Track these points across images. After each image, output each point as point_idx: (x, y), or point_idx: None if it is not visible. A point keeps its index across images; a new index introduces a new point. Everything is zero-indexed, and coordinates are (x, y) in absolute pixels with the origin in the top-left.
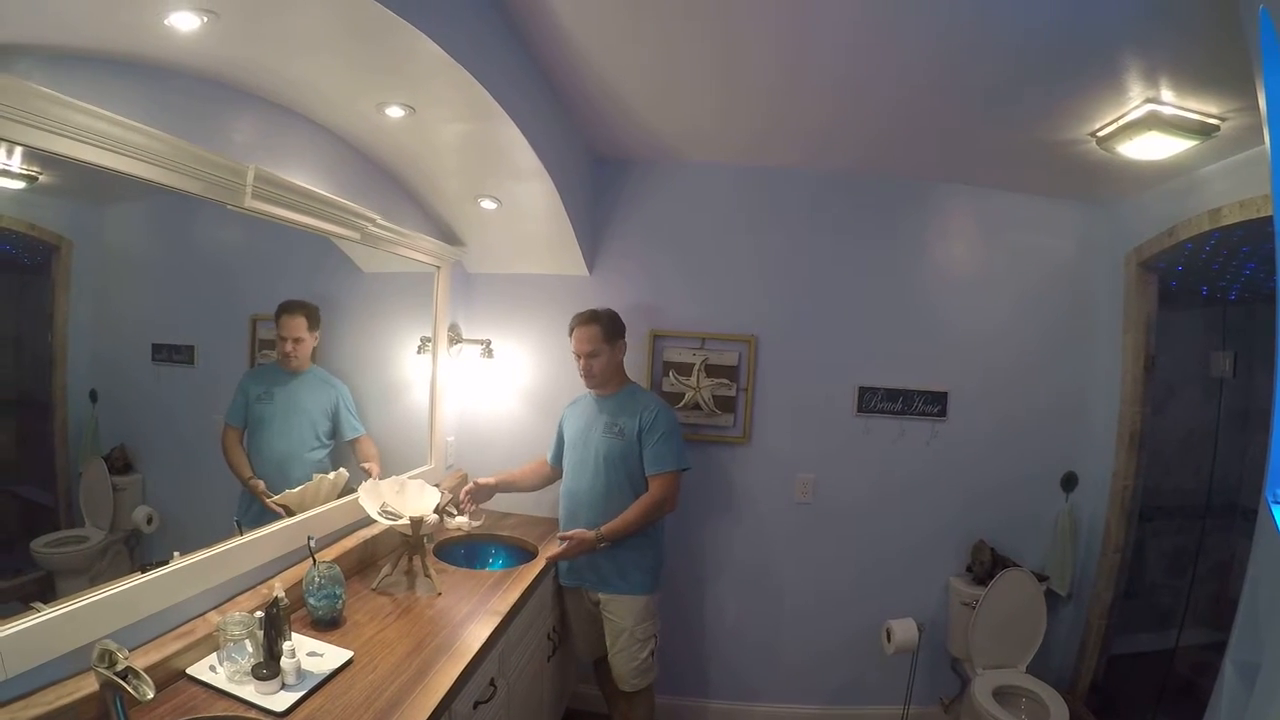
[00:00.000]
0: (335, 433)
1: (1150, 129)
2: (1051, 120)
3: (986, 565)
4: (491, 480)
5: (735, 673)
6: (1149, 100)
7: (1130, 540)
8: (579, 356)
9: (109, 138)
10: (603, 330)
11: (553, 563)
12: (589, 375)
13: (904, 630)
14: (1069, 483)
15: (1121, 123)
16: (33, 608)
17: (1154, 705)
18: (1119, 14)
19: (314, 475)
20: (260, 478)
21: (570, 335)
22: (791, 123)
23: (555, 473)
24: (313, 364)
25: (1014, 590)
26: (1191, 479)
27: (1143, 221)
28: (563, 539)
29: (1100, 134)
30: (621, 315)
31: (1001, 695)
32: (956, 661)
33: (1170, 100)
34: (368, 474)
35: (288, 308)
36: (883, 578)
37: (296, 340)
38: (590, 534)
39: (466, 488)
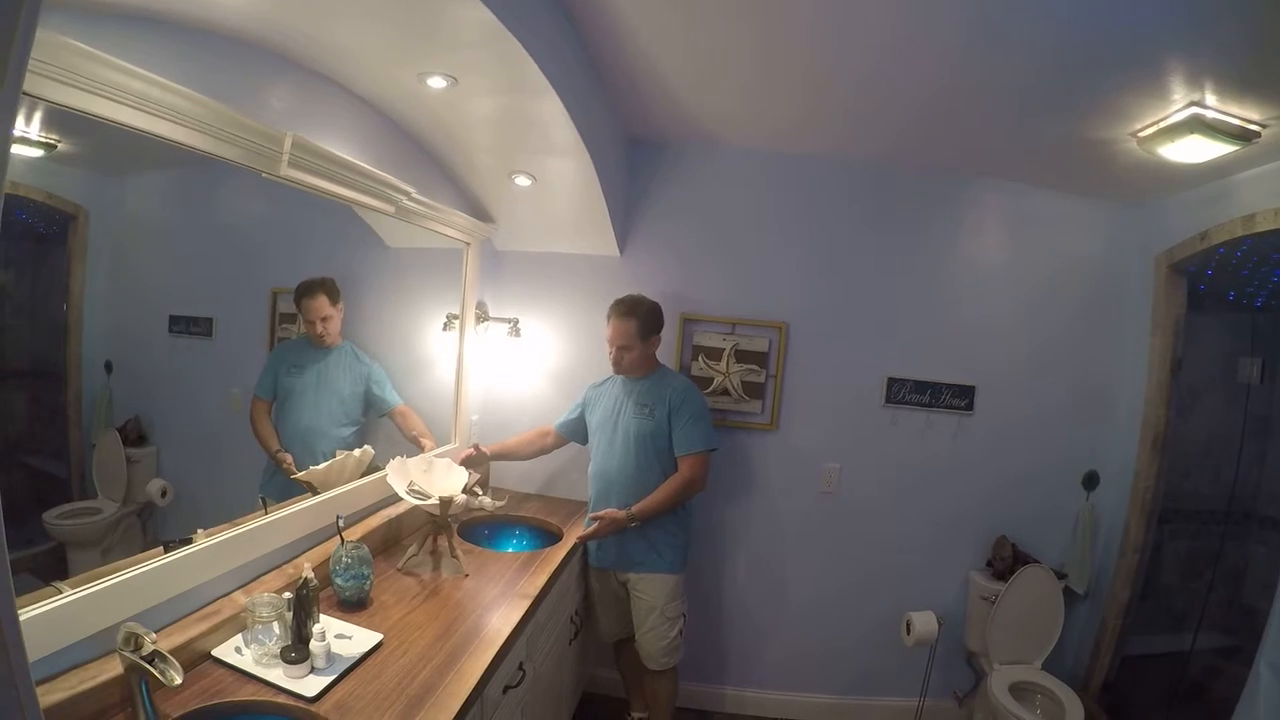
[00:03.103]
0: (366, 409)
1: (1192, 132)
2: (1093, 118)
3: (1007, 561)
4: (486, 450)
5: (752, 659)
6: (1193, 103)
7: (1149, 542)
8: (611, 345)
9: (147, 99)
10: (639, 327)
11: (583, 543)
12: (617, 365)
13: (924, 623)
14: (1090, 481)
15: (1164, 124)
16: (54, 587)
17: (1166, 707)
18: (1169, 15)
19: (338, 452)
20: (287, 451)
21: (607, 320)
22: (831, 110)
23: (558, 441)
24: (345, 339)
25: (1033, 587)
26: (1209, 483)
27: (1175, 224)
28: (594, 519)
29: (1142, 134)
30: (651, 297)
31: (1017, 691)
32: (972, 656)
33: (1213, 104)
34: (422, 450)
35: (306, 290)
36: (903, 570)
37: (325, 319)
38: (622, 513)
39: (464, 453)
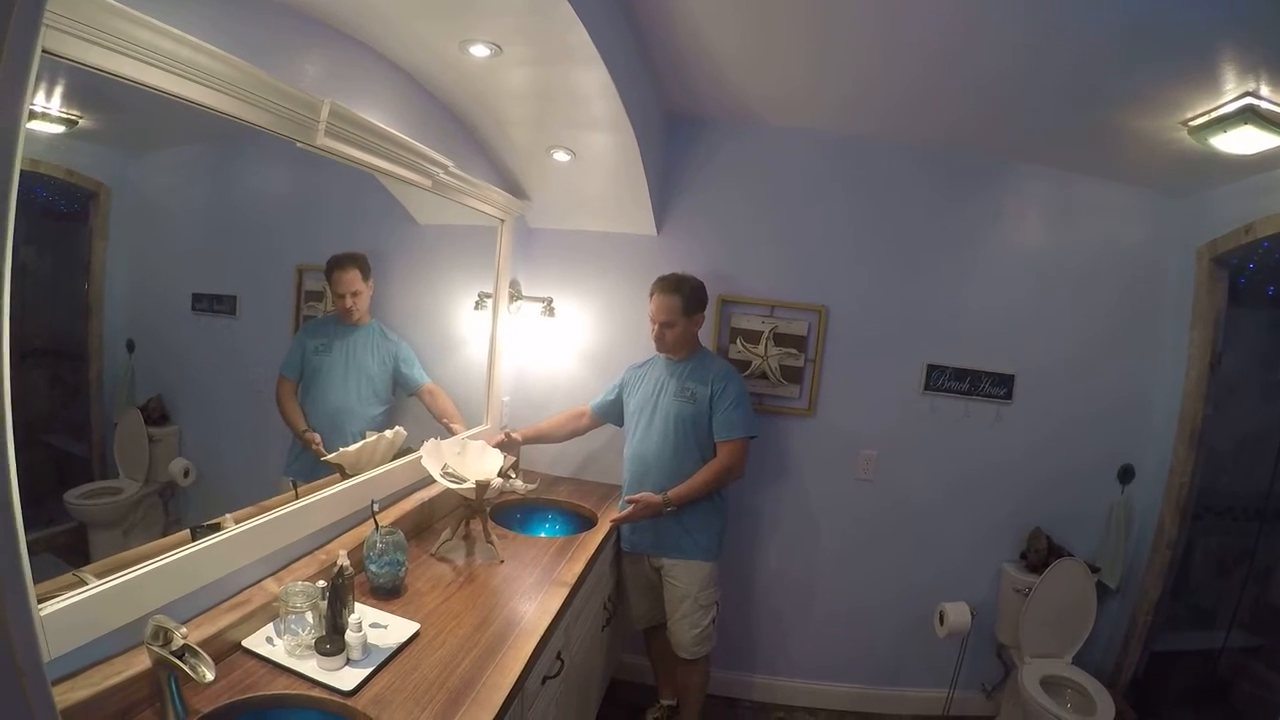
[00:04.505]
0: (394, 388)
1: (1245, 123)
2: (1144, 106)
3: (1042, 553)
4: (518, 435)
5: (782, 647)
6: (1247, 94)
7: (1182, 538)
8: (654, 322)
9: (177, 60)
10: (683, 303)
11: (617, 526)
12: (660, 342)
13: (957, 614)
14: (1126, 475)
15: (1216, 114)
16: (78, 578)
17: (1193, 705)
18: (1226, 4)
19: (368, 433)
20: (315, 431)
21: (650, 297)
22: (881, 91)
23: (594, 423)
24: (373, 317)
25: (1067, 580)
26: (1242, 481)
27: (1219, 216)
28: (629, 502)
29: (1193, 123)
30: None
31: (1048, 685)
32: (1002, 648)
33: (1267, 95)
34: (451, 434)
35: (339, 262)
36: (937, 560)
37: (355, 294)
38: (657, 498)
39: (495, 439)
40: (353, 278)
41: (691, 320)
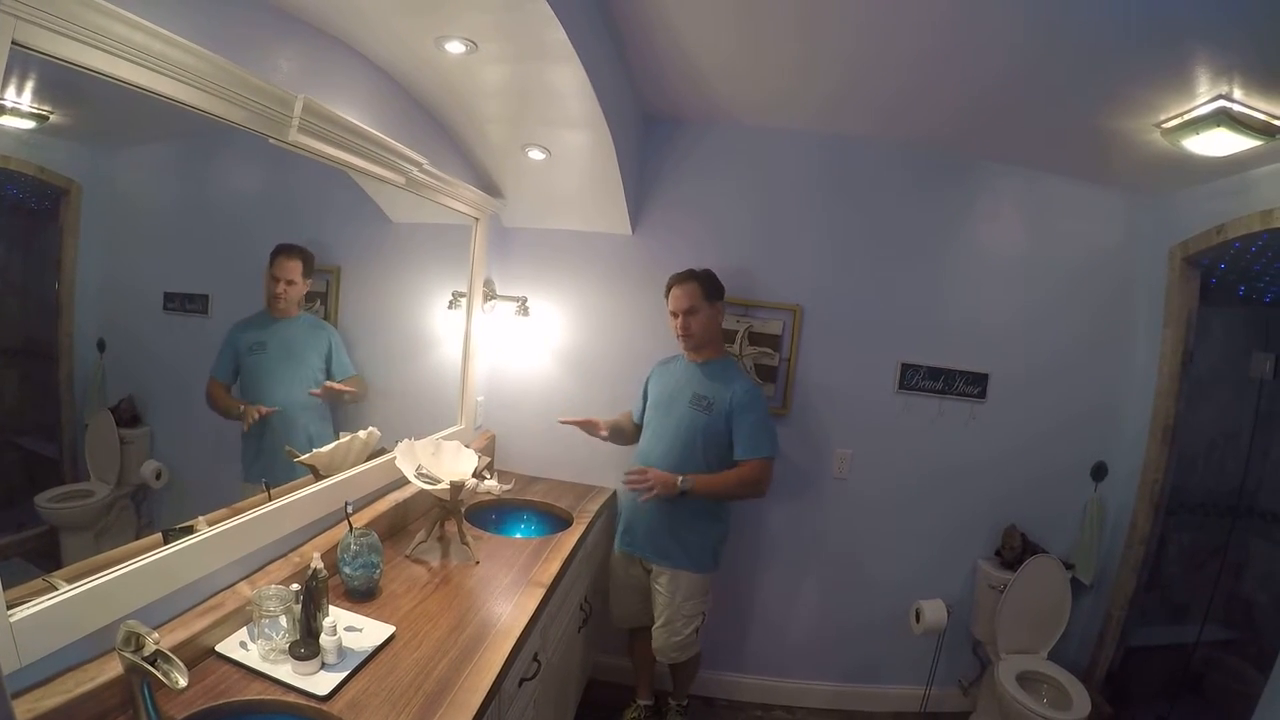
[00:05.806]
0: (329, 376)
1: (1218, 125)
2: (1119, 107)
3: (1016, 550)
4: (601, 425)
5: (759, 646)
6: (1220, 96)
7: (1156, 534)
8: (676, 315)
9: (151, 54)
10: (702, 287)
11: (629, 487)
12: (687, 335)
13: (933, 611)
14: (1099, 472)
15: (1189, 116)
16: (48, 582)
17: (1167, 698)
18: (1202, 7)
19: (341, 434)
20: (261, 429)
21: (666, 295)
22: (862, 93)
23: (638, 431)
24: (302, 311)
25: (1042, 577)
26: (1214, 477)
27: (1190, 216)
28: (643, 471)
29: (1166, 125)
30: (664, 276)
31: (1024, 681)
32: (978, 644)
33: (1239, 98)
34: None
35: (285, 250)
36: (913, 557)
37: (289, 282)
38: (674, 477)
39: (584, 419)
40: (294, 266)
41: (714, 307)
